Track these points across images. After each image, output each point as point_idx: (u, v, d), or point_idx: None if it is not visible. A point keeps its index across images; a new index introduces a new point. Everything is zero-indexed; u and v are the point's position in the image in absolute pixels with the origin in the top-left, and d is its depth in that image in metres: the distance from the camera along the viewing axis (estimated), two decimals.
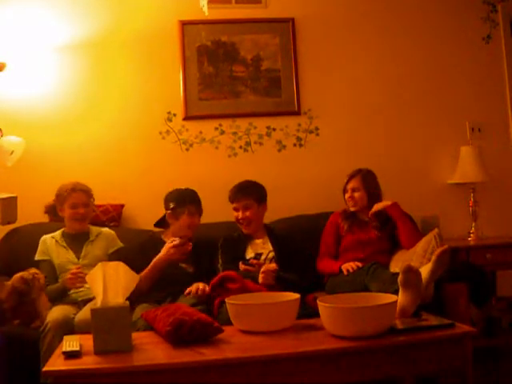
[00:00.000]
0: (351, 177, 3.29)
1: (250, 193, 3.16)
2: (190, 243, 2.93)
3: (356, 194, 3.26)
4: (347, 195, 3.28)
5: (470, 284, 2.79)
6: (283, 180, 3.70)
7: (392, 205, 3.21)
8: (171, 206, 3.07)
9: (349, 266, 3.03)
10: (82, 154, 3.58)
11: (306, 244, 3.34)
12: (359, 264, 3.01)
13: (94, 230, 3.17)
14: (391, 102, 3.84)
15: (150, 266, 2.89)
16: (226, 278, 2.75)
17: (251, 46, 3.74)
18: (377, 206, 3.23)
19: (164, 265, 2.91)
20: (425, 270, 2.52)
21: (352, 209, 3.27)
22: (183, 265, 3.00)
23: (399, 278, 2.35)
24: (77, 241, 3.10)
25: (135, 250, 3.06)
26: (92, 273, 2.21)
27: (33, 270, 2.81)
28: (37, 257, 3.06)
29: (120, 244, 3.16)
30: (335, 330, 2.14)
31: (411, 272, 2.34)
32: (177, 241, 2.89)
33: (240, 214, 3.14)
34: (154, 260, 2.91)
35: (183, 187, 3.16)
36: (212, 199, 3.54)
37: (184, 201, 3.07)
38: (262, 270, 2.86)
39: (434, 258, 2.49)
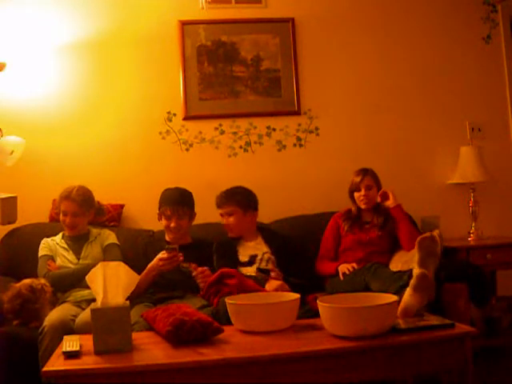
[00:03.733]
0: (364, 174, 3.26)
1: (233, 199, 3.13)
2: (181, 254, 2.89)
3: (370, 192, 3.25)
4: (360, 193, 3.25)
5: (470, 284, 2.79)
6: (283, 180, 3.70)
7: (396, 206, 3.21)
8: (158, 206, 3.11)
9: (345, 269, 3.03)
10: (82, 153, 3.58)
11: (307, 244, 3.35)
12: (355, 265, 3.01)
13: (95, 231, 3.18)
14: (391, 101, 3.84)
15: (143, 273, 2.89)
16: (224, 274, 2.76)
17: (251, 46, 3.74)
18: (390, 197, 3.23)
19: (156, 273, 2.92)
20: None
21: (363, 206, 3.26)
22: (185, 264, 3.00)
23: (412, 281, 2.35)
24: (77, 242, 3.10)
25: (137, 251, 3.09)
26: (92, 273, 2.22)
27: (43, 281, 2.82)
28: (41, 253, 3.06)
29: (114, 240, 3.14)
30: (335, 329, 2.14)
31: (426, 279, 2.34)
32: (165, 254, 2.88)
33: (224, 220, 3.14)
34: (147, 267, 2.92)
35: (181, 186, 3.15)
36: (212, 199, 3.54)
37: (162, 202, 3.08)
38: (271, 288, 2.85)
39: (416, 247, 2.46)
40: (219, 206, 3.16)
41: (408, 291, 2.35)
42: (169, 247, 2.90)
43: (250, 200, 3.18)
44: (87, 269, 2.46)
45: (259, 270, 2.97)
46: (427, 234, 2.50)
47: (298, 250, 3.21)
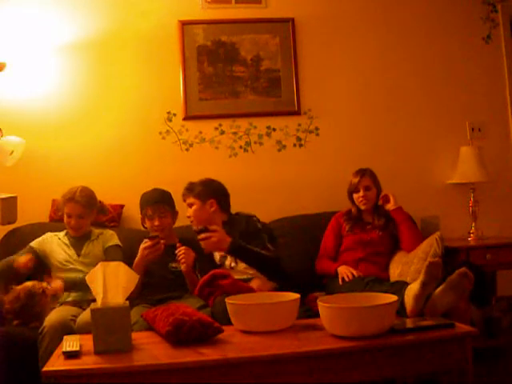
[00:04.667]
0: (362, 175, 3.26)
1: (192, 191, 3.13)
2: (163, 241, 2.93)
3: (369, 193, 3.24)
4: (359, 194, 3.24)
5: None
6: (283, 180, 3.70)
7: (397, 208, 3.21)
8: (140, 210, 3.14)
9: (344, 274, 3.02)
10: (82, 153, 3.58)
11: (306, 244, 3.34)
12: (355, 272, 3.00)
13: (96, 231, 3.19)
14: (391, 101, 3.84)
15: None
16: (216, 275, 2.75)
17: (251, 46, 3.74)
18: (390, 200, 3.23)
19: (143, 266, 2.93)
20: (415, 284, 2.43)
21: (363, 207, 3.25)
22: (173, 264, 3.01)
23: (451, 277, 2.33)
24: (79, 240, 3.12)
25: (133, 252, 3.09)
26: (92, 273, 2.22)
27: (45, 284, 2.80)
28: (32, 244, 3.08)
29: (116, 241, 3.15)
30: (335, 330, 2.14)
31: (466, 278, 2.32)
32: (148, 242, 2.92)
33: (187, 212, 3.15)
34: (134, 263, 2.93)
35: (166, 187, 3.17)
36: None
37: (142, 204, 3.12)
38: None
39: (423, 269, 2.40)
40: (182, 199, 3.17)
41: (444, 288, 2.33)
42: (150, 235, 2.95)
43: (208, 189, 3.13)
44: None
45: (197, 231, 2.92)
46: (437, 260, 2.45)
47: (260, 226, 3.12)
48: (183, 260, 2.91)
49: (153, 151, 3.66)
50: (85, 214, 3.10)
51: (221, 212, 3.14)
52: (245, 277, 2.94)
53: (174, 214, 3.17)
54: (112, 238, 3.16)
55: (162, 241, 2.92)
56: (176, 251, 2.94)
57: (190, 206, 3.14)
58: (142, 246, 2.93)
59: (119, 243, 3.15)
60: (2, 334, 2.60)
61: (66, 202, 3.08)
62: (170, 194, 3.16)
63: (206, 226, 2.89)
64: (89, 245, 3.11)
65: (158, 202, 3.09)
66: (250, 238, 3.00)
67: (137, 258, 2.94)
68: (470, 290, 2.38)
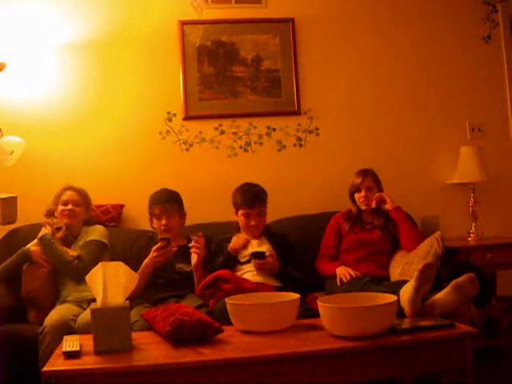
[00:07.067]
0: (364, 176, 3.25)
1: (264, 199, 3.15)
2: (174, 245, 2.95)
3: (370, 193, 3.23)
4: (360, 194, 3.24)
5: None
6: (283, 180, 3.70)
7: (395, 208, 3.20)
8: (148, 210, 3.15)
9: (342, 275, 3.02)
10: (82, 153, 3.57)
11: (306, 244, 3.34)
12: (352, 273, 3.00)
13: (83, 231, 3.17)
14: (391, 101, 3.84)
15: (139, 270, 2.90)
16: (219, 277, 2.76)
17: (251, 46, 3.74)
18: (387, 201, 3.21)
19: (151, 268, 2.95)
20: (408, 288, 2.43)
21: (364, 207, 3.25)
22: (180, 265, 3.01)
23: (458, 280, 2.34)
24: (67, 244, 3.09)
25: (133, 252, 3.10)
26: (92, 273, 2.22)
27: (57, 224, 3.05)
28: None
29: (95, 236, 3.12)
30: (335, 330, 2.15)
31: (472, 284, 2.34)
32: (158, 244, 2.93)
33: (253, 221, 3.10)
34: (143, 263, 2.94)
35: (181, 186, 3.19)
36: (211, 199, 3.55)
37: (150, 204, 3.13)
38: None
39: (416, 273, 2.40)
40: (250, 206, 3.09)
41: (448, 290, 2.34)
42: (162, 237, 2.95)
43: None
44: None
45: (254, 254, 2.96)
46: (429, 262, 2.46)
47: (295, 247, 3.21)
48: (195, 253, 2.93)
49: (153, 151, 3.66)
50: (80, 203, 3.14)
51: None
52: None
53: (182, 214, 3.16)
54: (93, 232, 3.14)
55: (173, 245, 2.93)
56: (192, 241, 2.96)
57: (260, 215, 3.13)
58: (154, 248, 2.94)
59: (98, 238, 3.11)
60: (2, 333, 2.60)
61: (63, 191, 3.16)
62: (178, 194, 3.16)
63: (265, 252, 2.95)
64: (74, 248, 3.08)
65: (166, 201, 3.09)
66: (286, 253, 3.08)
67: (146, 259, 2.95)
68: (473, 296, 2.39)
